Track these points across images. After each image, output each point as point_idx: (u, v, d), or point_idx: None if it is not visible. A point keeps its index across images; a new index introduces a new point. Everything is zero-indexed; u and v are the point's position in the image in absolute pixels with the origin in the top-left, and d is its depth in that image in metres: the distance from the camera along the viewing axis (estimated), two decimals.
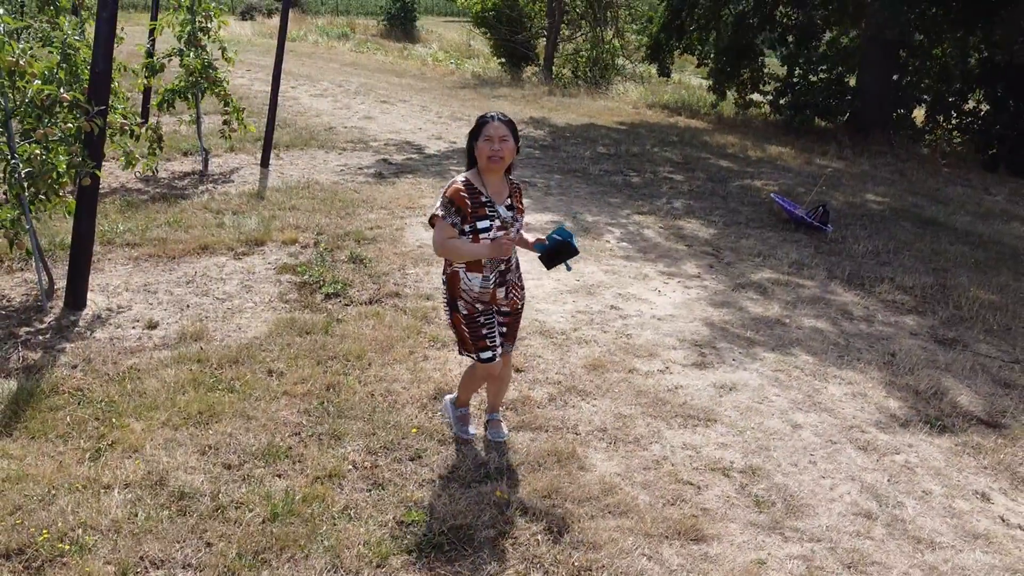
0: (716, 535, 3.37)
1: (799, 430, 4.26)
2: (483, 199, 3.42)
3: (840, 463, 3.98)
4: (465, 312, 3.56)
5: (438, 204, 3.40)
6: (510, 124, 3.41)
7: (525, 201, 8.44)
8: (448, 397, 4.11)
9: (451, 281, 3.56)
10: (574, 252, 3.48)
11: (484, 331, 3.57)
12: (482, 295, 3.53)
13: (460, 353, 3.76)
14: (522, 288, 3.75)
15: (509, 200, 3.51)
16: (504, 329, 3.71)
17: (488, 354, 3.60)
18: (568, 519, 3.38)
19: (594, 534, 3.29)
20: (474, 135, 3.42)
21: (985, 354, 5.50)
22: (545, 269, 3.72)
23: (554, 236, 3.50)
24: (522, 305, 3.77)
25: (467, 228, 3.39)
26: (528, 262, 6.33)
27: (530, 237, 3.59)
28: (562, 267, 3.62)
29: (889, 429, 4.37)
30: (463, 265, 3.49)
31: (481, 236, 3.38)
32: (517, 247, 3.62)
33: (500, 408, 4.06)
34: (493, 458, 3.78)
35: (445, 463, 3.72)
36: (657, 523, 3.39)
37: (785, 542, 3.37)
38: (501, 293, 3.58)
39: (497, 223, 3.42)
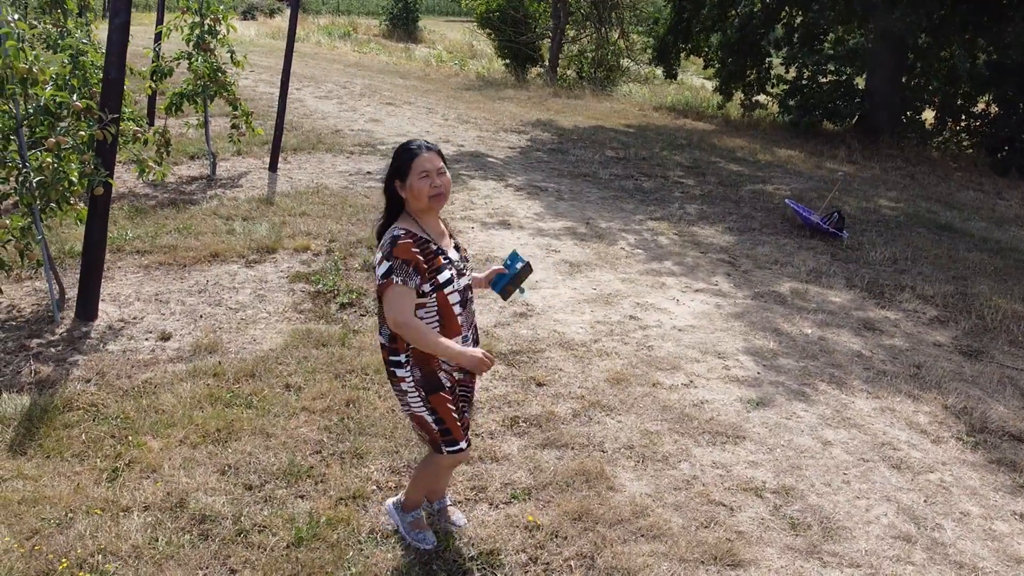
0: (753, 560, 3.27)
1: (830, 447, 4.17)
2: (433, 247, 2.80)
3: (874, 482, 3.89)
4: (449, 385, 2.89)
5: (385, 267, 2.71)
6: (441, 154, 2.82)
7: (537, 209, 8.48)
8: (389, 502, 3.33)
9: (421, 358, 2.83)
10: (531, 271, 3.13)
11: (462, 404, 3.01)
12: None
13: (446, 448, 2.95)
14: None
15: (454, 242, 2.94)
16: (468, 393, 3.08)
17: (467, 435, 3.02)
18: (600, 543, 3.28)
19: (628, 560, 3.20)
20: (400, 173, 2.77)
21: (1011, 366, 5.41)
22: (503, 301, 3.26)
23: (514, 266, 3.08)
24: None
25: (428, 288, 2.77)
26: (544, 269, 6.31)
27: (484, 274, 3.09)
28: (517, 296, 3.17)
29: (920, 446, 4.27)
30: (435, 331, 2.82)
31: (445, 291, 2.79)
32: (475, 287, 3.08)
33: (448, 492, 3.45)
34: (520, 478, 3.69)
35: (471, 484, 3.63)
36: (692, 547, 3.30)
37: (824, 567, 3.27)
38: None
39: (455, 271, 2.84)
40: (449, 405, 2.89)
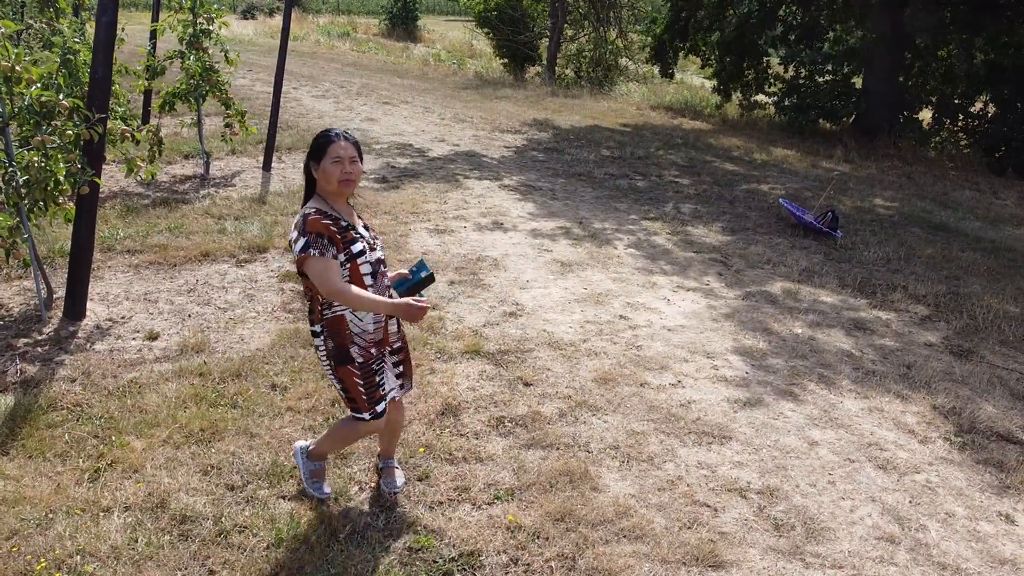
0: (735, 561, 3.26)
1: (816, 448, 4.15)
2: (343, 223, 3.01)
3: (859, 483, 3.87)
4: (360, 360, 3.09)
5: (301, 243, 2.90)
6: (357, 145, 3.04)
7: (530, 208, 8.47)
8: (299, 444, 3.51)
9: (335, 328, 3.07)
10: (433, 281, 3.25)
11: (378, 379, 3.16)
12: (377, 334, 3.12)
13: (353, 415, 3.21)
14: None
15: (362, 222, 3.16)
16: (400, 368, 3.32)
17: (382, 406, 3.18)
18: (582, 544, 3.27)
19: (609, 560, 3.19)
20: (316, 156, 2.99)
21: (1002, 366, 5.39)
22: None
23: (418, 274, 3.22)
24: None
25: (343, 257, 2.97)
26: (535, 269, 6.30)
27: (390, 274, 3.23)
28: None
29: (908, 447, 4.26)
30: (345, 307, 3.05)
31: (358, 262, 2.99)
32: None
33: (395, 455, 3.65)
34: (504, 478, 3.68)
35: (454, 484, 3.61)
36: (674, 548, 3.29)
37: (806, 568, 3.26)
38: (393, 327, 3.20)
39: (366, 244, 3.05)
40: (356, 379, 3.10)
